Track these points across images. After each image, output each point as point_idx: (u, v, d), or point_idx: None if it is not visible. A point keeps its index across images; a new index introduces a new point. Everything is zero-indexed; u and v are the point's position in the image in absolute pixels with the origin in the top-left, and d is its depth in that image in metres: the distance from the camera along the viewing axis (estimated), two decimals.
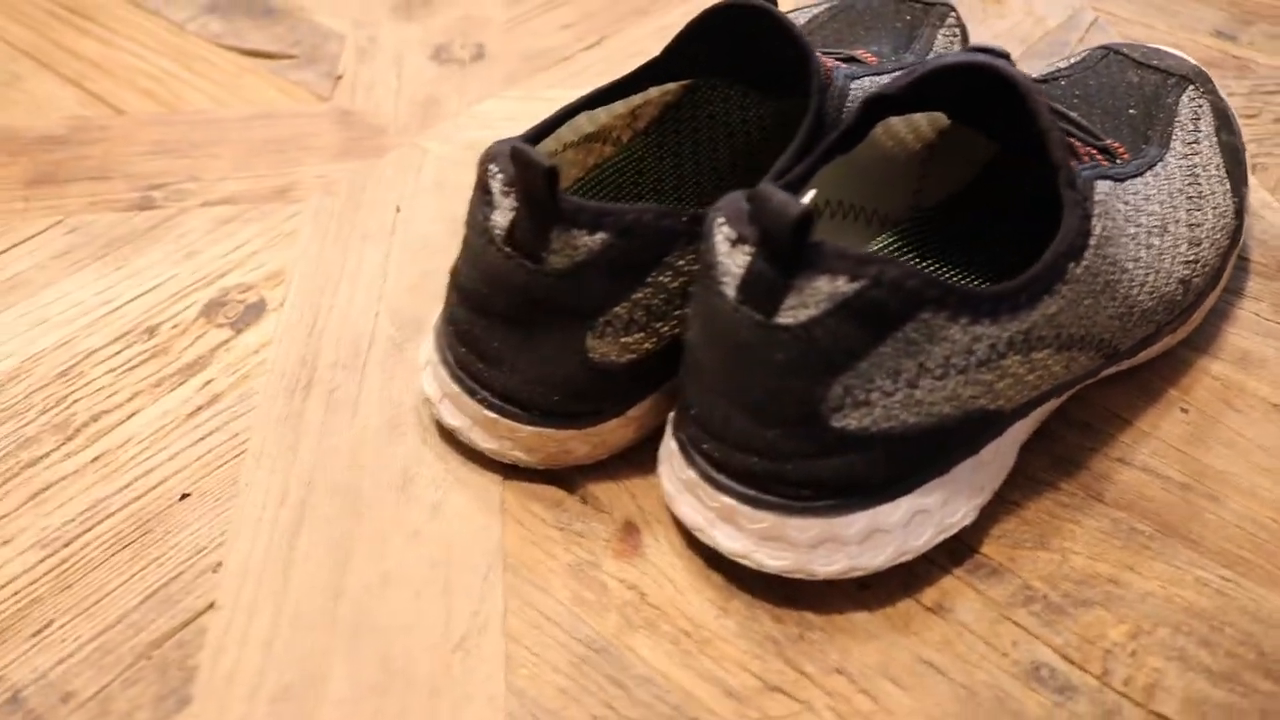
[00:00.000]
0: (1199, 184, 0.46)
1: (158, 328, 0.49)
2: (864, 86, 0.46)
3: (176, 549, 0.41)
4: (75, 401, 0.46)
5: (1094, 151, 0.45)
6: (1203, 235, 0.45)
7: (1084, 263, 0.38)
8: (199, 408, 0.45)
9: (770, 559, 0.37)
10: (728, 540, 0.37)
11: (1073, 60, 0.52)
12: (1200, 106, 0.50)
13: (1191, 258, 0.44)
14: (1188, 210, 0.45)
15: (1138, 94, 0.50)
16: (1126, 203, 0.42)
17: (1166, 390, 0.46)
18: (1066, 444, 0.43)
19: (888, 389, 0.35)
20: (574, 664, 0.37)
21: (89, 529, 0.41)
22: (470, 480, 0.42)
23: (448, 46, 0.66)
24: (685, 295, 0.39)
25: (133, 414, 0.45)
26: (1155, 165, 0.45)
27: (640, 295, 0.38)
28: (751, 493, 0.37)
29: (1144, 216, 0.43)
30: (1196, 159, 0.47)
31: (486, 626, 0.38)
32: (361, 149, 0.58)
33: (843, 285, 0.34)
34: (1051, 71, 0.52)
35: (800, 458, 0.36)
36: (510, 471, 0.42)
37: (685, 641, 0.37)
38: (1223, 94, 0.51)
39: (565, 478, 0.42)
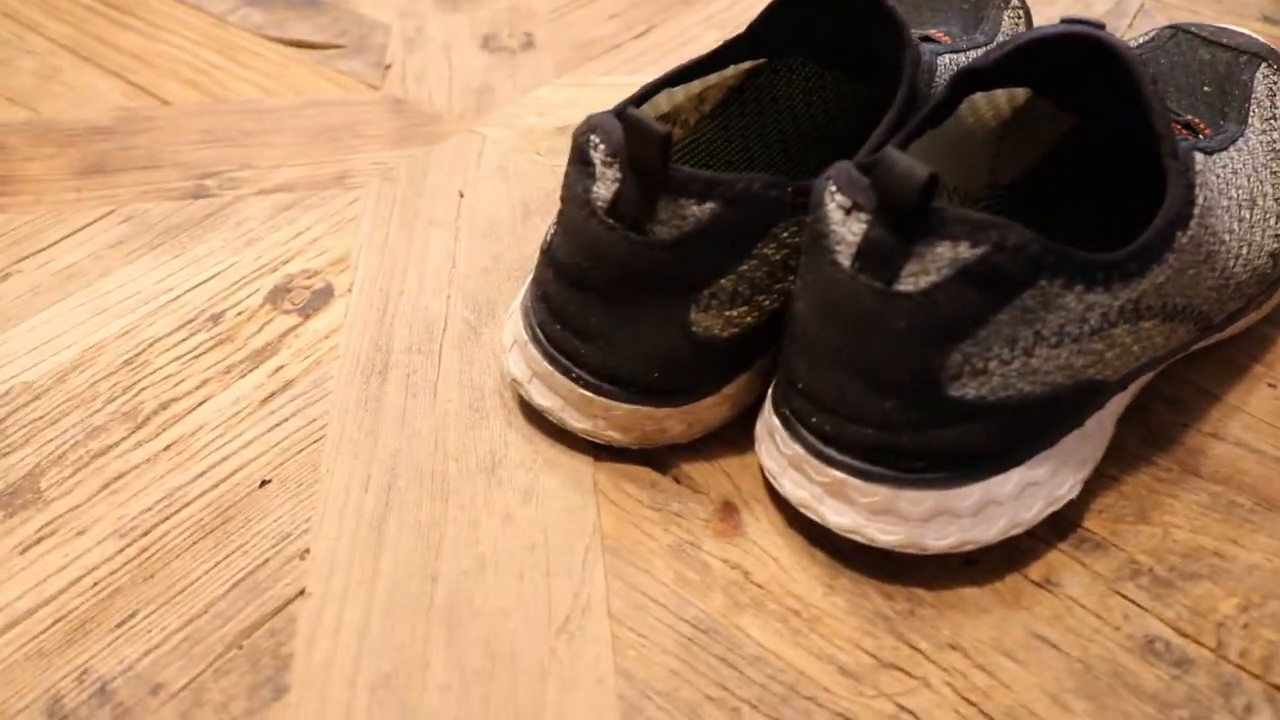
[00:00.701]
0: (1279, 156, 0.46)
1: (222, 315, 0.48)
2: (945, 63, 0.45)
3: (261, 536, 0.39)
4: (142, 390, 0.45)
5: (1177, 127, 0.44)
6: None
7: (1189, 232, 0.38)
8: (272, 394, 0.44)
9: (882, 533, 0.36)
10: (836, 515, 0.37)
11: (1141, 40, 0.52)
12: (1275, 83, 0.49)
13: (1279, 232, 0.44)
14: (1273, 185, 0.45)
15: (1211, 71, 0.49)
16: (1218, 175, 0.42)
17: (1252, 366, 0.45)
18: (1159, 419, 0.43)
19: (1005, 357, 0.35)
20: (683, 644, 0.36)
21: (167, 518, 0.40)
22: (560, 462, 0.41)
23: (496, 36, 0.65)
24: (787, 268, 0.39)
25: (203, 401, 0.44)
26: (1237, 140, 0.45)
27: (746, 267, 0.38)
28: (864, 465, 0.36)
29: (1233, 190, 0.42)
30: (1275, 134, 0.47)
31: (590, 608, 0.37)
32: (418, 136, 0.57)
33: (965, 251, 0.33)
34: None
35: (916, 428, 0.35)
36: (600, 452, 0.41)
37: (794, 620, 0.37)
38: None
39: (657, 458, 0.41)
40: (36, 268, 0.50)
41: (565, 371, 0.40)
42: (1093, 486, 0.40)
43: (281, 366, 0.46)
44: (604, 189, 0.37)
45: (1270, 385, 0.44)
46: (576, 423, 0.40)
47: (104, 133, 0.58)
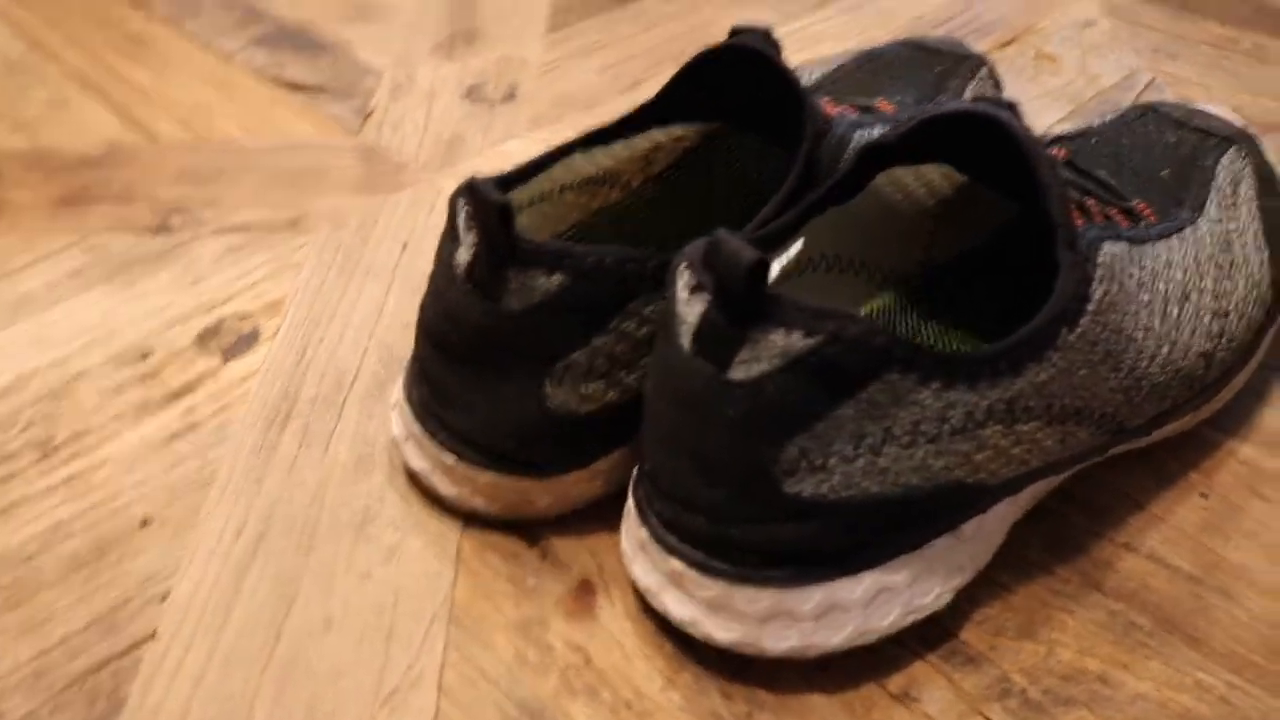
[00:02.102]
0: (1231, 251, 0.43)
1: (151, 352, 0.49)
2: (869, 136, 0.44)
3: (129, 575, 0.40)
4: (60, 420, 0.46)
5: (1115, 212, 0.42)
6: (1230, 306, 0.42)
7: (1079, 329, 0.36)
8: (176, 434, 0.45)
9: (719, 630, 0.35)
10: (677, 606, 0.35)
11: (1109, 118, 0.50)
12: (1242, 170, 0.46)
13: (1216, 330, 0.41)
14: (1215, 279, 0.42)
15: (1173, 155, 0.47)
16: (1143, 267, 0.39)
17: (1186, 474, 0.42)
18: (1067, 525, 0.40)
19: (848, 454, 0.33)
20: None
21: (49, 548, 0.41)
22: (429, 525, 0.41)
23: (481, 86, 0.65)
24: (652, 345, 0.37)
25: (112, 436, 0.45)
26: (1184, 229, 0.42)
27: (602, 342, 0.37)
28: (700, 557, 0.34)
29: (1162, 283, 0.40)
30: (1233, 225, 0.44)
31: (420, 681, 0.36)
32: (380, 184, 0.58)
33: (798, 340, 0.32)
34: (1084, 128, 0.49)
35: (749, 522, 0.33)
36: (473, 520, 0.41)
37: (624, 712, 0.35)
38: (1270, 156, 0.47)
39: (528, 530, 0.40)
40: None
41: (432, 435, 0.39)
42: (977, 594, 0.38)
43: (193, 407, 0.46)
44: (464, 254, 0.36)
45: (1203, 495, 0.41)
46: (444, 489, 0.40)
47: (91, 164, 0.60)
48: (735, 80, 0.43)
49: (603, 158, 0.45)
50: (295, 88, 0.66)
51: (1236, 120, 0.48)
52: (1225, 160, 0.46)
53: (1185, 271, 0.41)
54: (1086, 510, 0.41)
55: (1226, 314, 0.42)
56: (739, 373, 0.32)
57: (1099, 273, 0.37)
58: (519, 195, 0.41)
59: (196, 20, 0.72)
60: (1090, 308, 0.36)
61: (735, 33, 0.43)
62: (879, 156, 0.40)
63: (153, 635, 0.38)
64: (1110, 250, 0.38)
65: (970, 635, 0.37)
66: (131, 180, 0.59)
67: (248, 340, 0.49)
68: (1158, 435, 0.41)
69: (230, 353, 0.49)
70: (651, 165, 0.46)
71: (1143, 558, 0.39)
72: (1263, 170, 0.46)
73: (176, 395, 0.47)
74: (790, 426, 0.32)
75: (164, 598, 0.39)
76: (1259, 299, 0.44)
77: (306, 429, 0.45)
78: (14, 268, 0.53)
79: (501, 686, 0.36)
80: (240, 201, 0.57)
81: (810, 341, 0.32)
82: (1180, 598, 0.38)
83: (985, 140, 0.39)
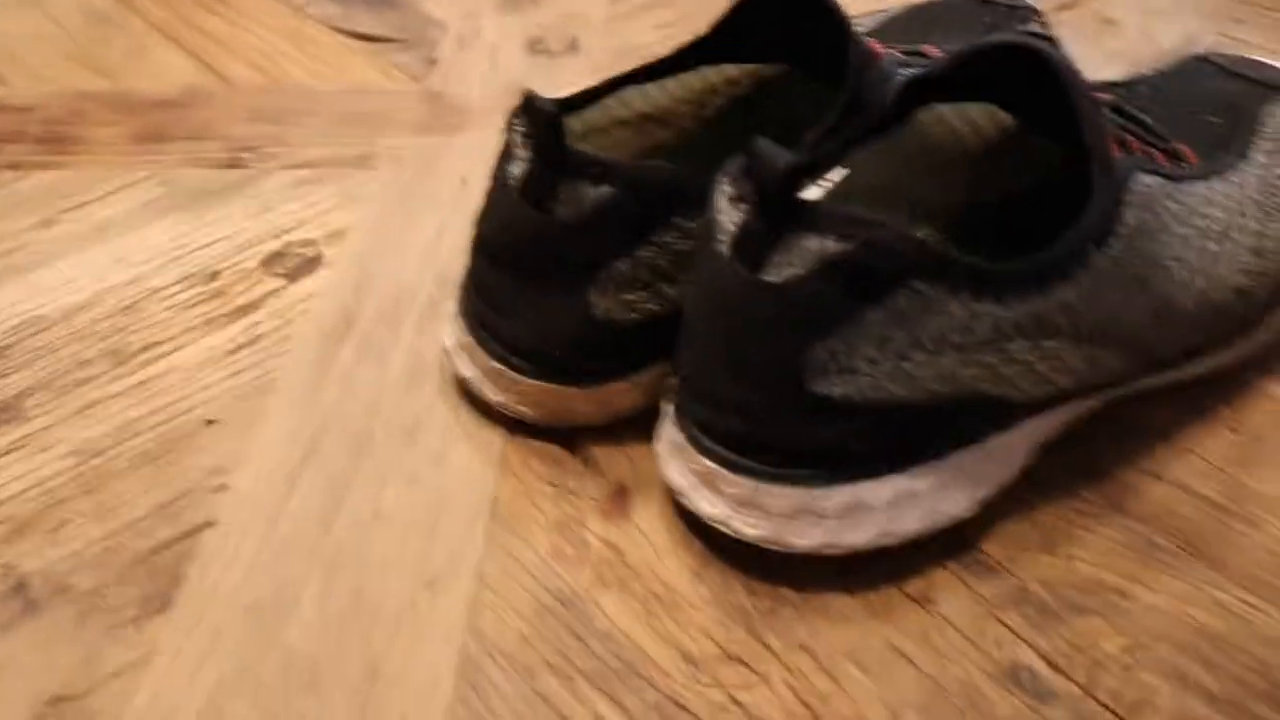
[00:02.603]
0: (1276, 194, 0.44)
1: (220, 273, 0.51)
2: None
3: (193, 468, 0.42)
4: (133, 333, 0.48)
5: (1155, 152, 0.43)
6: (1271, 247, 0.42)
7: (1110, 251, 0.37)
8: (240, 346, 0.47)
9: (747, 527, 0.36)
10: (708, 505, 0.37)
11: (1163, 68, 0.50)
12: None
13: (1255, 268, 0.42)
14: (1258, 219, 0.42)
15: (1221, 101, 0.47)
16: (1181, 203, 0.40)
17: (1218, 409, 0.43)
18: (1095, 451, 0.41)
19: (874, 357, 0.34)
20: (538, 612, 0.37)
21: (121, 443, 0.43)
22: (476, 433, 0.43)
23: (543, 39, 0.67)
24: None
25: (180, 348, 0.48)
26: (1226, 172, 0.43)
27: (646, 253, 0.38)
28: (731, 456, 0.36)
29: (1198, 219, 0.40)
30: (1278, 170, 0.44)
31: (460, 569, 0.38)
32: (442, 126, 0.60)
33: (830, 245, 0.33)
34: (1136, 76, 0.50)
35: (779, 422, 0.35)
36: (518, 428, 0.42)
37: (654, 604, 0.37)
38: None
39: (570, 438, 0.42)
40: (75, 219, 0.55)
41: (482, 343, 0.41)
42: (1002, 509, 0.39)
43: (256, 323, 0.49)
44: (517, 168, 0.38)
45: (1232, 430, 0.42)
46: (492, 395, 0.42)
47: (168, 105, 0.63)
48: (784, 19, 0.44)
49: (657, 95, 0.46)
50: (364, 38, 0.68)
51: None
52: (1273, 108, 0.46)
53: (1226, 211, 0.41)
54: (1116, 438, 0.42)
55: (1265, 253, 0.43)
56: (772, 275, 0.34)
57: (1132, 199, 0.38)
58: (572, 123, 0.42)
59: None
60: (1122, 230, 0.37)
61: None
62: (923, 90, 0.41)
63: (211, 523, 0.40)
64: (1146, 181, 0.38)
65: (991, 547, 0.38)
66: (206, 120, 0.61)
67: (311, 264, 0.51)
68: (1192, 372, 0.42)
69: (294, 275, 0.51)
70: (704, 108, 0.48)
71: (1169, 484, 0.40)
72: None
73: (242, 311, 0.49)
74: (819, 328, 0.34)
75: (224, 489, 0.41)
76: None
77: (364, 345, 0.47)
78: (94, 196, 0.56)
79: (538, 577, 0.38)
80: (308, 140, 0.59)
81: (842, 246, 0.33)
82: (1205, 523, 0.39)
83: (1028, 76, 0.40)
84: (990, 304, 0.35)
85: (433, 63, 0.65)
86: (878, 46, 0.45)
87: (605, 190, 0.37)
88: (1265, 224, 0.43)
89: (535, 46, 0.66)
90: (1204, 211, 0.41)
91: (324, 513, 0.40)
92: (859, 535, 0.36)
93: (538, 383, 0.40)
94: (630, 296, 0.39)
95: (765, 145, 0.33)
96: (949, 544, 0.38)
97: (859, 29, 0.54)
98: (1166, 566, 0.37)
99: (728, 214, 0.35)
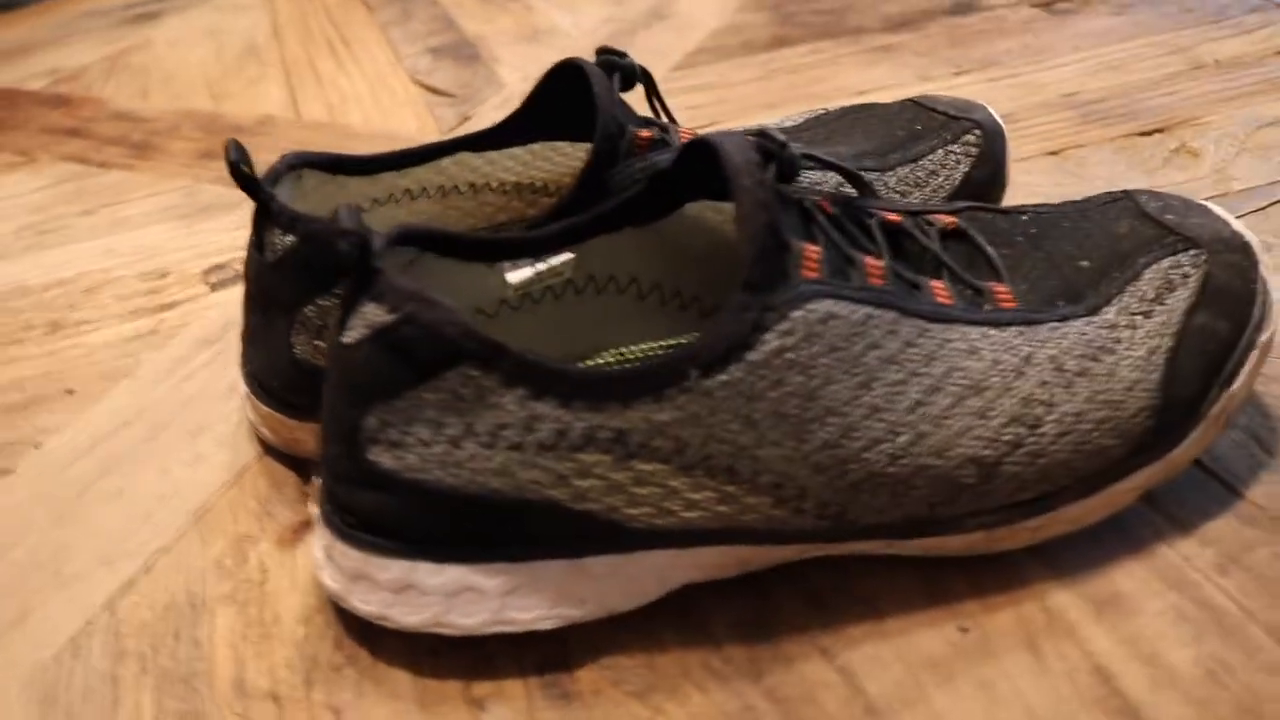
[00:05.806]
0: (1099, 360, 0.38)
1: (169, 274, 0.59)
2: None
3: (26, 425, 0.50)
4: (78, 310, 0.57)
5: (960, 288, 0.38)
6: (1049, 418, 0.37)
7: (723, 376, 0.34)
8: (140, 335, 0.55)
9: (328, 578, 0.37)
10: (315, 545, 0.38)
11: (1085, 198, 0.45)
12: (1187, 278, 0.40)
13: (1009, 438, 0.36)
14: (1042, 385, 0.37)
15: (1108, 247, 0.41)
16: (907, 342, 0.36)
17: (963, 598, 0.37)
18: (768, 609, 0.37)
19: (425, 438, 0.34)
20: (167, 607, 0.40)
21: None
22: (239, 445, 0.47)
23: None
24: None
25: (100, 329, 0.56)
26: (1033, 323, 0.38)
27: (327, 303, 0.41)
28: (325, 507, 0.37)
29: (935, 366, 0.36)
30: (1126, 334, 0.38)
31: (139, 554, 0.42)
32: None
33: (382, 315, 0.34)
34: (1038, 204, 0.44)
35: (345, 481, 0.36)
36: (275, 449, 0.46)
37: (255, 630, 0.39)
38: (1262, 271, 0.41)
39: (305, 467, 0.45)
40: (105, 214, 0.65)
41: (242, 367, 0.45)
42: (610, 637, 0.37)
43: (164, 320, 0.56)
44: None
45: (962, 629, 0.36)
46: (249, 414, 0.46)
47: (240, 130, 0.72)
48: (578, 95, 0.45)
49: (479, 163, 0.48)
50: (433, 91, 0.74)
51: (1234, 229, 0.41)
52: (1166, 263, 0.40)
53: (997, 364, 0.36)
54: (802, 598, 0.37)
55: (1040, 425, 0.37)
56: (346, 337, 0.35)
57: (787, 326, 0.35)
58: (359, 187, 0.46)
59: (403, 27, 0.83)
60: (751, 358, 0.34)
61: (601, 52, 0.46)
62: (665, 183, 0.40)
63: (8, 471, 0.47)
64: (821, 307, 0.35)
65: (585, 673, 0.36)
66: (257, 146, 0.70)
67: (236, 279, 0.58)
68: (929, 545, 0.37)
69: (218, 286, 0.58)
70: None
71: (833, 668, 0.35)
72: (1218, 283, 0.40)
73: (162, 309, 0.57)
74: (371, 395, 0.35)
75: (38, 447, 0.48)
76: (1109, 421, 0.38)
77: (222, 354, 0.52)
78: (130, 197, 0.66)
79: (189, 578, 0.41)
80: None
81: (390, 318, 0.34)
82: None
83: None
84: (553, 406, 0.34)
85: (466, 119, 0.71)
86: (644, 134, 0.44)
87: (289, 240, 0.40)
88: (1050, 390, 0.37)
89: None
90: (949, 360, 0.36)
91: (86, 482, 0.46)
92: (411, 617, 0.35)
93: (268, 410, 0.44)
94: (320, 343, 0.41)
95: (342, 213, 0.35)
96: (546, 658, 0.36)
97: (787, 124, 0.53)
98: None
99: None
